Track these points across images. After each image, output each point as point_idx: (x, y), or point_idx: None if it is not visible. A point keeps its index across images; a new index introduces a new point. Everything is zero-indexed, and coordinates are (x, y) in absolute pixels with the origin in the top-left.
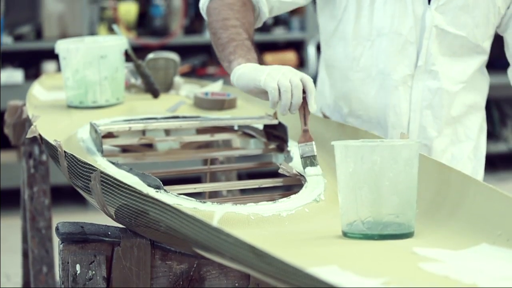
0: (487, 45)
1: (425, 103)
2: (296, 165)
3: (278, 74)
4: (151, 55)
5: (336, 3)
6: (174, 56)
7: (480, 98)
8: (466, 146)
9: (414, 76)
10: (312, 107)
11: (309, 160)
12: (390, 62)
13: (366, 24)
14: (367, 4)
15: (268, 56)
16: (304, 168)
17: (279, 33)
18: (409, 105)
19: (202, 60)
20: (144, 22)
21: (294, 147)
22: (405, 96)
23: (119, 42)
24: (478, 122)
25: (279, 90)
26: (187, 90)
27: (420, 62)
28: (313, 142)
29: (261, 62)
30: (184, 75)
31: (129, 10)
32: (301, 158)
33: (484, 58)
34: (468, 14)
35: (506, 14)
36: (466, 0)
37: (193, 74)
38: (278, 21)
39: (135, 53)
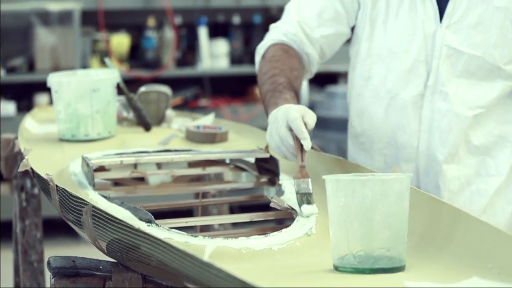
0: None
1: (435, 125)
2: (287, 198)
3: (273, 130)
4: (143, 88)
5: (358, 24)
6: (166, 89)
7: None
8: (494, 181)
9: (424, 96)
10: (304, 145)
11: (305, 198)
12: (400, 81)
13: (378, 43)
14: (380, 23)
15: None
16: (300, 205)
17: None
18: (419, 125)
19: (194, 92)
20: (136, 55)
21: (285, 181)
22: (414, 115)
23: (111, 75)
24: (509, 159)
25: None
26: (179, 123)
27: (430, 82)
28: (309, 179)
29: (296, 98)
30: (176, 107)
31: (121, 43)
32: (296, 194)
33: (511, 84)
34: (483, 33)
35: None
36: (480, 18)
37: (185, 106)
38: None
39: (128, 86)
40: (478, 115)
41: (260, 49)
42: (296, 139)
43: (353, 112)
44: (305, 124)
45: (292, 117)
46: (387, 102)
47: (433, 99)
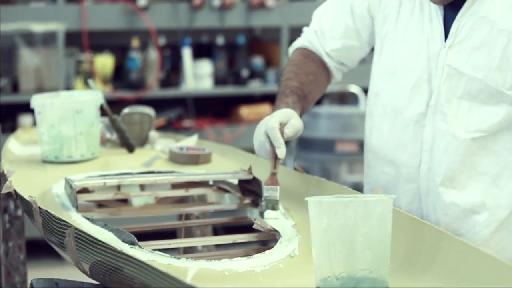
0: None
1: (435, 145)
2: (270, 220)
3: (256, 133)
4: (126, 110)
5: (374, 40)
6: (149, 110)
7: None
8: (500, 213)
9: (426, 116)
10: (278, 153)
11: (271, 204)
12: (403, 99)
13: (386, 60)
14: (389, 39)
15: (244, 109)
16: (264, 210)
17: (255, 86)
18: (421, 145)
19: (178, 113)
20: (120, 75)
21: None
22: (416, 135)
23: (94, 97)
24: None
25: None
26: (162, 144)
27: (432, 102)
28: (278, 187)
29: (301, 102)
30: (160, 128)
31: (105, 64)
32: (264, 199)
33: None
34: (485, 55)
35: None
36: (484, 40)
37: (169, 127)
38: (254, 73)
39: (112, 106)
40: (480, 139)
41: (289, 53)
42: (272, 146)
43: (366, 130)
44: (285, 132)
45: (270, 126)
46: (392, 119)
47: (434, 119)
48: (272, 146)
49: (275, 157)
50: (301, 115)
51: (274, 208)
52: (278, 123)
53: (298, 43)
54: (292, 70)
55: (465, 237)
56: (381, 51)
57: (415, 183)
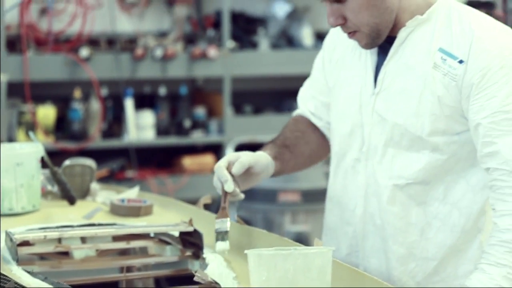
0: (438, 141)
1: (368, 191)
2: (211, 272)
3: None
4: (67, 162)
5: None
6: (90, 162)
7: (446, 210)
8: (425, 264)
9: (360, 161)
10: (225, 188)
11: (221, 236)
12: (344, 145)
13: (333, 107)
14: (337, 87)
15: (187, 160)
16: (215, 241)
17: (197, 137)
18: (356, 190)
19: (121, 164)
20: (62, 126)
21: (209, 254)
22: (353, 179)
23: (35, 149)
24: (446, 242)
25: None
26: (104, 196)
27: (364, 148)
28: (228, 219)
29: (278, 148)
30: (103, 179)
31: (47, 114)
32: (215, 232)
33: (441, 157)
34: (404, 101)
35: (469, 118)
36: (404, 86)
37: (112, 178)
38: (197, 124)
39: (54, 157)
40: (406, 188)
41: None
42: (221, 182)
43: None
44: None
45: (216, 165)
46: (335, 163)
47: (366, 165)
48: (221, 182)
49: (225, 193)
50: (279, 160)
51: (223, 238)
52: (226, 162)
53: (296, 111)
54: (282, 132)
55: (397, 284)
56: (332, 100)
57: (353, 226)
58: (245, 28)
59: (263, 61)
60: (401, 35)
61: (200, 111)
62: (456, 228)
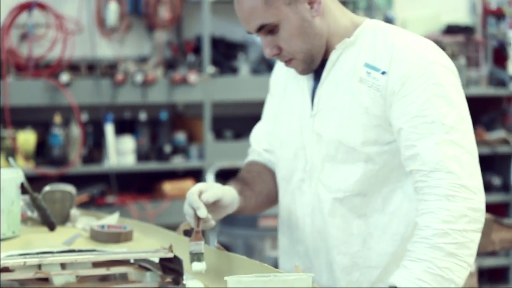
0: (371, 151)
1: (314, 208)
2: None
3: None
4: (47, 188)
5: None
6: (70, 188)
7: (385, 219)
8: (369, 273)
9: (305, 181)
10: (198, 214)
11: (196, 257)
12: (289, 168)
13: (276, 135)
14: (279, 116)
15: (167, 185)
16: (191, 262)
17: (177, 162)
18: (302, 208)
19: (101, 189)
20: (43, 151)
21: (189, 280)
22: (300, 199)
23: (15, 175)
24: (387, 250)
25: None
26: (84, 222)
27: (307, 168)
28: (203, 242)
29: (240, 185)
30: (83, 204)
31: (27, 140)
32: (189, 254)
33: (374, 167)
34: (337, 115)
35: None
36: (334, 102)
37: (92, 203)
38: (177, 149)
39: (34, 183)
40: (345, 201)
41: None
42: (194, 210)
43: None
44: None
45: (189, 192)
46: (283, 188)
47: (311, 184)
48: (194, 210)
49: (197, 218)
50: (243, 196)
51: (199, 259)
52: (198, 190)
53: (247, 159)
54: (239, 175)
55: None
56: (274, 129)
57: (304, 245)
58: (226, 54)
59: (244, 86)
60: (331, 57)
61: (180, 136)
62: (396, 236)
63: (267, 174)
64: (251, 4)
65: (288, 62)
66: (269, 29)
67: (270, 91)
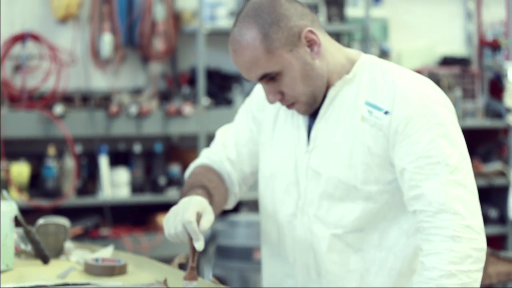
0: (371, 189)
1: (306, 244)
2: None
3: (171, 220)
4: (41, 221)
5: None
6: (64, 221)
7: (382, 255)
8: None
9: (296, 216)
10: (196, 247)
11: None
12: (279, 201)
13: (264, 165)
14: (267, 146)
15: (162, 217)
16: None
17: (172, 194)
18: (293, 243)
19: (95, 221)
20: (36, 184)
21: None
22: (290, 234)
23: (8, 208)
24: (384, 285)
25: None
26: (78, 255)
27: (300, 203)
28: (196, 282)
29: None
30: (77, 237)
31: (21, 172)
32: None
33: (375, 205)
34: (337, 154)
35: (395, 164)
36: (336, 140)
37: (86, 236)
38: (172, 181)
39: (28, 215)
40: (343, 237)
41: (186, 173)
42: (190, 239)
43: None
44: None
45: (187, 220)
46: (272, 220)
47: (303, 219)
48: (190, 239)
49: (193, 251)
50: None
51: None
52: (195, 214)
53: (197, 162)
54: (197, 179)
55: None
56: (262, 157)
57: (293, 278)
58: (220, 85)
59: None
60: (330, 94)
61: (175, 168)
62: (392, 272)
63: (222, 186)
64: (252, 54)
65: (290, 105)
66: (271, 77)
67: (252, 109)
